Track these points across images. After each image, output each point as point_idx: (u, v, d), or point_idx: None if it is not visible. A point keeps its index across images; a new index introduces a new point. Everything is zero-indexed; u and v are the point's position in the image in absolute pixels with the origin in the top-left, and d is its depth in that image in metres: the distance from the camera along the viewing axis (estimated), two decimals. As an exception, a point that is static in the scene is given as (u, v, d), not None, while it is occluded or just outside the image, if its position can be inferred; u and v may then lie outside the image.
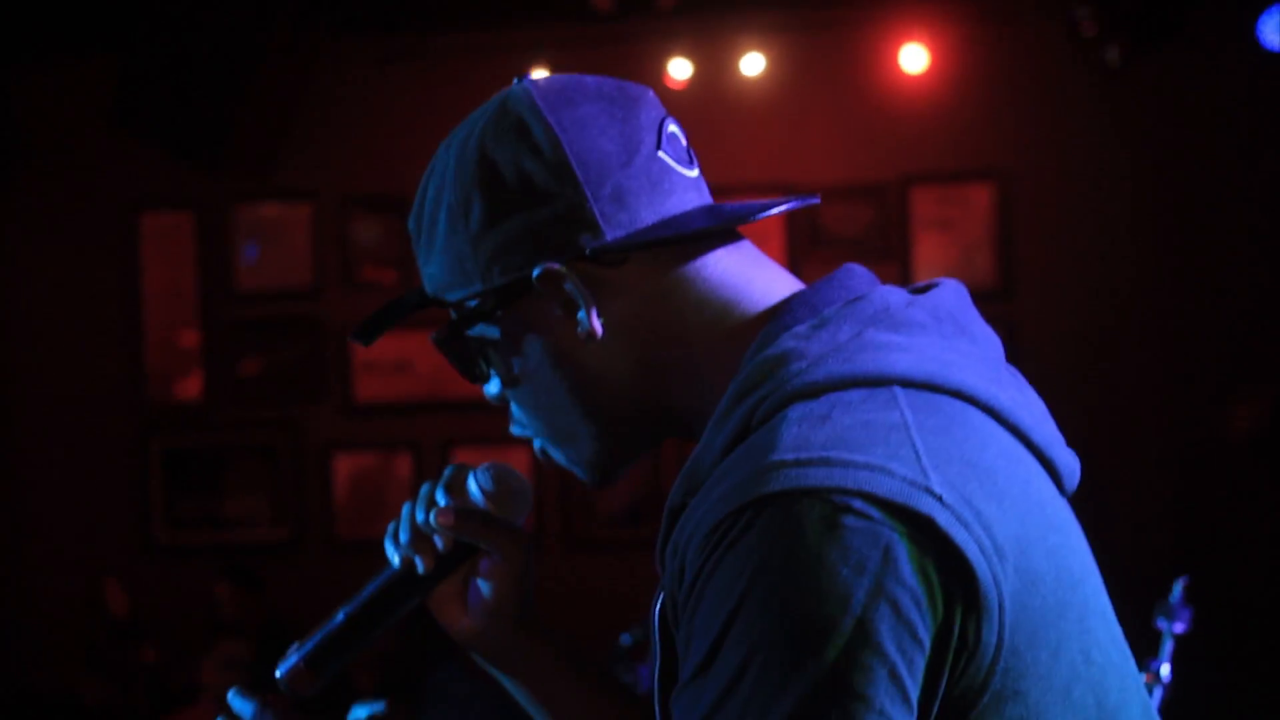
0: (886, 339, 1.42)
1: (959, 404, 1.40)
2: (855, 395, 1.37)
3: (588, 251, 1.48)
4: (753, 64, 7.24)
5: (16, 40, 7.48)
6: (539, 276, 1.49)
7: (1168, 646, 3.39)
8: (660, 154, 1.52)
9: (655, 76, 7.04)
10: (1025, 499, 1.37)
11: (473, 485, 1.70)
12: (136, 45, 6.76)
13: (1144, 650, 3.21)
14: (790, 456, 1.31)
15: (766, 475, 1.30)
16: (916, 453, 1.32)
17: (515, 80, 1.58)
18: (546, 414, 1.57)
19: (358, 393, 7.75)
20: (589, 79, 1.56)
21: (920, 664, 1.27)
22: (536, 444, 1.62)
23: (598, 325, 1.49)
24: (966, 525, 1.30)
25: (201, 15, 6.64)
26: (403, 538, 1.70)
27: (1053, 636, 1.34)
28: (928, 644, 1.28)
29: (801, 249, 7.37)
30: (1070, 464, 1.50)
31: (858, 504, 1.28)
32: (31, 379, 7.95)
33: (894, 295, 1.48)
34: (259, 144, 7.16)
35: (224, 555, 7.49)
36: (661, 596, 1.45)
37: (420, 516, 1.69)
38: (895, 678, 1.26)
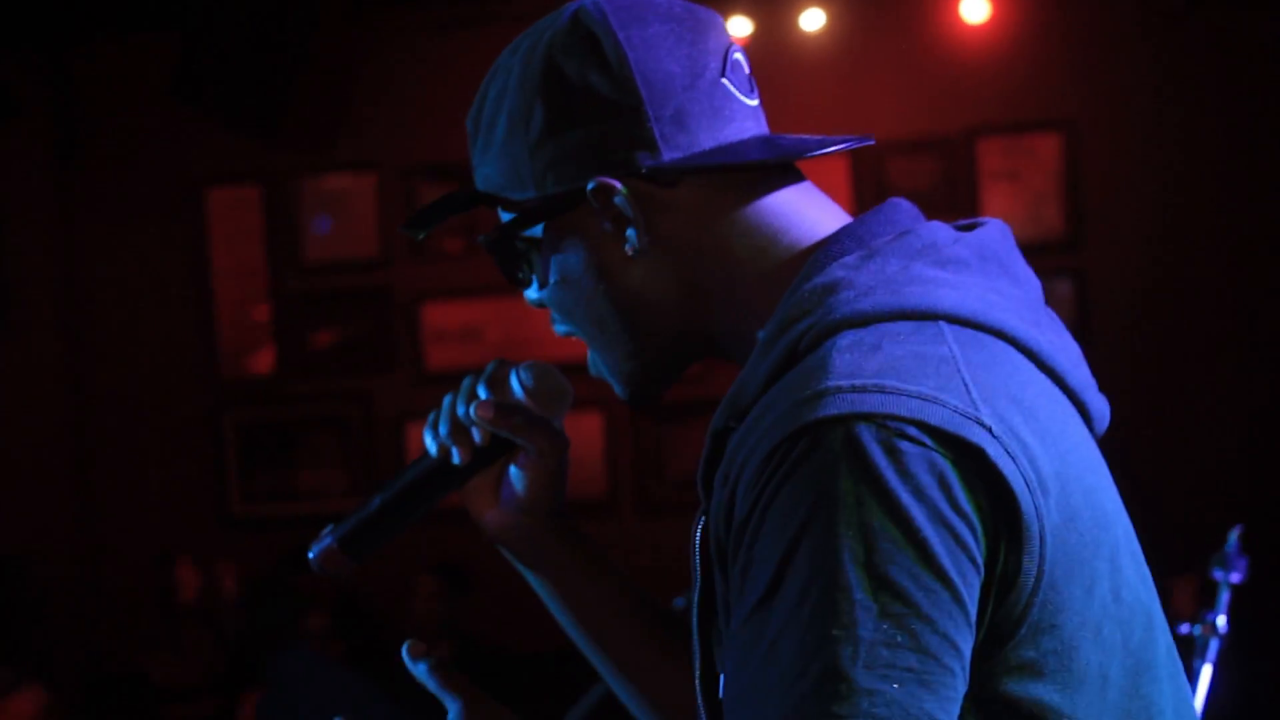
0: (933, 274, 1.43)
1: (1000, 343, 1.41)
2: (904, 327, 1.37)
3: (644, 170, 1.49)
4: (813, 19, 7.17)
5: (77, 21, 7.54)
6: (593, 190, 1.49)
7: (1224, 597, 3.34)
8: (724, 80, 1.52)
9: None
10: (1064, 438, 1.38)
11: (514, 381, 1.69)
12: (196, 21, 6.79)
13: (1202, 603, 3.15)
14: (846, 383, 1.30)
15: (822, 400, 1.30)
16: (966, 385, 1.32)
17: None
18: (585, 325, 1.58)
19: (428, 362, 7.78)
20: None
21: (976, 589, 1.28)
22: (590, 357, 1.63)
23: (645, 242, 1.50)
24: (1014, 458, 1.30)
25: (259, -12, 6.67)
26: (442, 429, 1.69)
27: (1087, 574, 1.35)
28: (981, 570, 1.29)
29: (868, 205, 7.29)
30: (1101, 408, 1.51)
31: (912, 430, 1.28)
32: (106, 359, 8.03)
33: (940, 231, 1.49)
34: (320, 115, 7.18)
35: (299, 528, 7.51)
36: (702, 521, 1.46)
37: (460, 409, 1.69)
38: (958, 601, 1.26)
